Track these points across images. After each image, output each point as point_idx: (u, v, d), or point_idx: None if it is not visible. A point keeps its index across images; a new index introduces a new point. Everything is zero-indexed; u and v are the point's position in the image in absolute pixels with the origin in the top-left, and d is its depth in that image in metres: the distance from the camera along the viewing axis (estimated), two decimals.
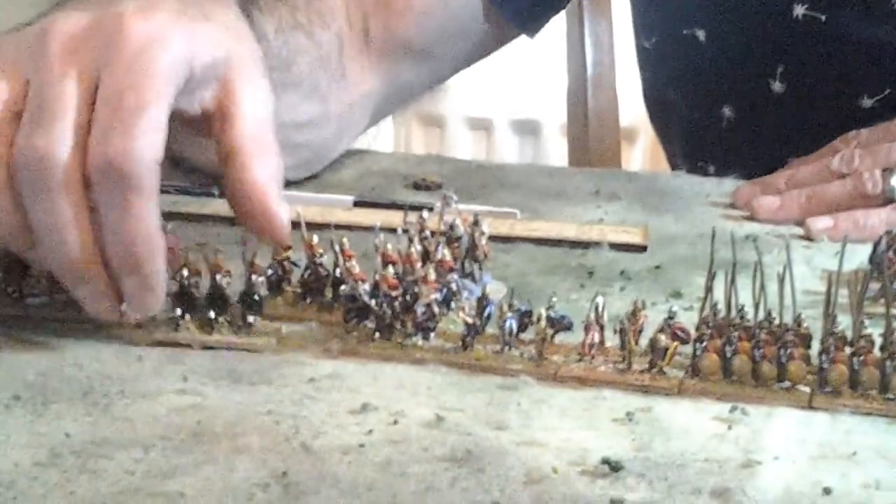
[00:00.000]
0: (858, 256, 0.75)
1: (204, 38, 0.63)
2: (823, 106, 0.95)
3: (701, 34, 1.05)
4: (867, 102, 0.97)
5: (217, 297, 0.63)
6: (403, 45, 0.97)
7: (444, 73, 1.05)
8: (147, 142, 0.59)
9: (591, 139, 1.54)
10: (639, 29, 1.18)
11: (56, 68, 0.60)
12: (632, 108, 1.82)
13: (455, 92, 2.04)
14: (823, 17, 0.96)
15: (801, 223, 0.85)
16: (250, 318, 0.63)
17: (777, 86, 1.00)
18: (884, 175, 0.86)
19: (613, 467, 0.50)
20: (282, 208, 0.62)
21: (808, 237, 0.83)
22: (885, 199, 0.85)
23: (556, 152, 2.00)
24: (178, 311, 0.62)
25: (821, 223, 0.84)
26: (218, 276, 0.63)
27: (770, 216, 0.88)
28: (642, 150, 2.00)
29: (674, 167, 1.23)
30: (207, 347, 0.61)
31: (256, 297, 0.63)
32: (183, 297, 0.63)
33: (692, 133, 1.14)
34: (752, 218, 0.88)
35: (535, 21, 1.03)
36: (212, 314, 0.62)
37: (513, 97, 2.06)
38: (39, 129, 0.59)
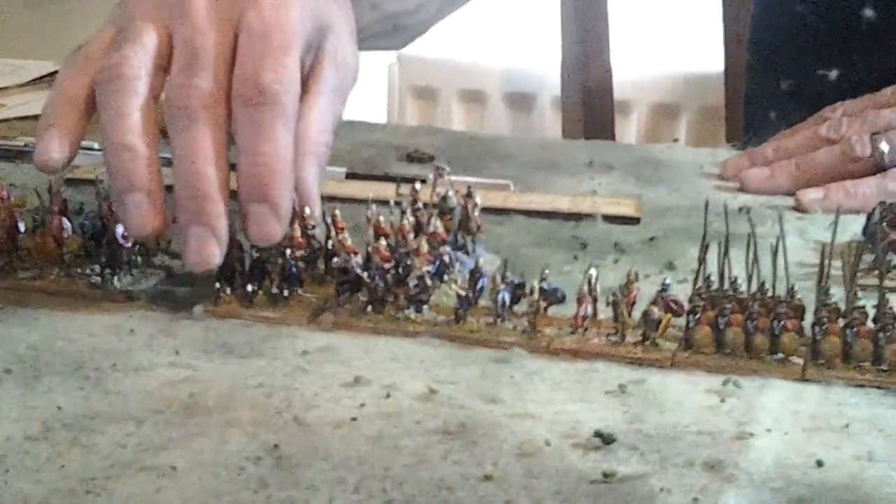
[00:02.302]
0: (852, 228, 0.76)
1: (317, 3, 0.69)
2: None
3: None
4: None
5: (257, 270, 0.63)
6: None
7: None
8: (294, 75, 0.65)
9: (585, 112, 1.54)
10: None
11: (202, 19, 0.65)
12: (626, 82, 1.82)
13: (448, 64, 2.04)
14: None
15: (792, 193, 0.85)
16: (286, 292, 0.63)
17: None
18: (872, 139, 0.85)
19: (606, 440, 0.50)
20: (317, 209, 0.65)
21: (799, 209, 0.83)
22: (875, 164, 0.85)
23: (550, 125, 1.99)
24: (218, 284, 0.63)
25: (811, 194, 0.84)
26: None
27: (760, 187, 0.87)
28: (636, 124, 2.00)
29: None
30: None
31: (294, 271, 0.63)
32: (223, 269, 0.63)
33: (819, 42, 1.09)
34: (744, 189, 0.88)
35: None
36: (250, 287, 0.63)
37: (506, 70, 2.05)
38: (192, 74, 0.64)
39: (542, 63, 1.93)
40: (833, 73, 1.08)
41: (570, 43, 1.55)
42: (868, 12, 1.00)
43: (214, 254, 0.61)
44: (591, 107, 1.54)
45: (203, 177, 0.61)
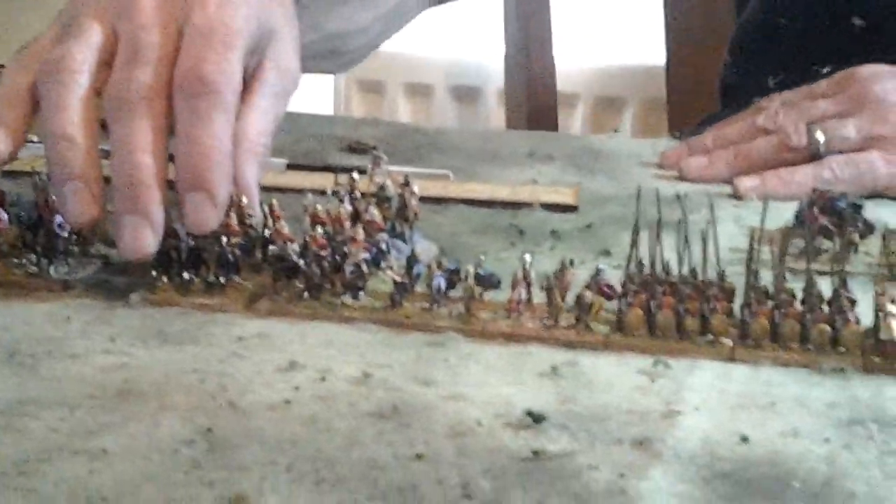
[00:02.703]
0: (788, 214, 0.77)
1: (263, 8, 0.70)
2: None
3: None
4: None
5: (194, 258, 0.63)
6: None
7: None
8: (236, 70, 0.66)
9: (529, 104, 1.55)
10: None
11: (146, 16, 0.66)
12: (570, 74, 1.84)
13: (394, 58, 2.04)
14: None
15: (730, 181, 0.86)
16: (223, 279, 0.63)
17: None
18: (808, 129, 0.87)
19: (536, 419, 0.51)
20: (255, 206, 0.66)
21: (736, 196, 0.85)
22: (811, 153, 0.86)
23: (495, 118, 2.00)
24: (154, 272, 0.63)
25: (748, 182, 0.85)
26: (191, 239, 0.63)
27: (699, 176, 0.89)
28: (581, 116, 2.01)
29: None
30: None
31: (231, 258, 0.63)
32: (160, 257, 0.63)
33: (819, 51, 1.08)
34: (683, 178, 0.89)
35: None
36: (186, 275, 0.63)
37: (452, 63, 2.06)
38: (133, 67, 0.64)
39: (487, 56, 1.94)
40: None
41: (513, 35, 1.56)
42: (857, 20, 1.02)
43: (149, 242, 0.61)
44: (534, 99, 1.54)
45: (140, 166, 0.62)
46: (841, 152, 0.86)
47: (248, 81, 0.69)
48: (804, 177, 0.84)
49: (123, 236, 0.61)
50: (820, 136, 0.87)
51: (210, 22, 0.66)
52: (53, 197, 0.65)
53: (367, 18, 0.93)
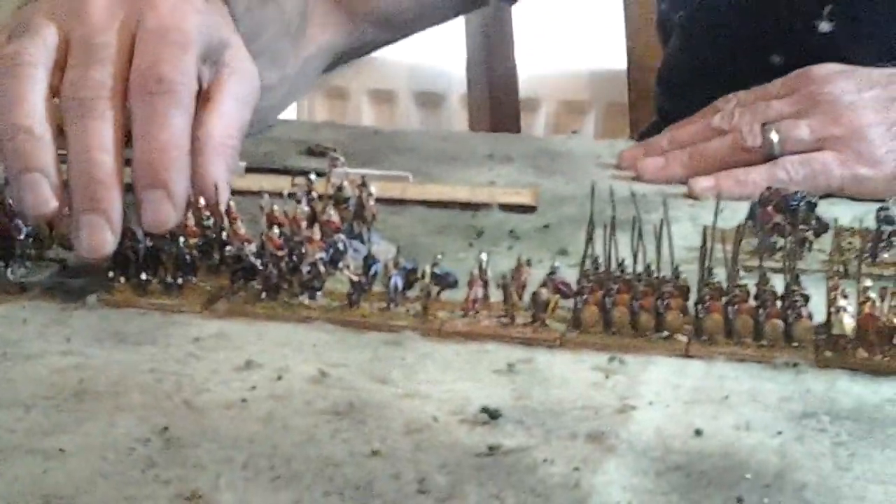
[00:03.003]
0: (743, 213, 0.77)
1: (212, 20, 0.71)
2: (872, 41, 0.95)
3: None
4: None
5: (151, 259, 0.63)
6: (373, 10, 0.99)
7: (404, 36, 1.07)
8: (191, 70, 0.66)
9: (491, 109, 1.55)
10: (669, 4, 1.17)
11: (98, 19, 0.66)
12: (533, 79, 1.84)
13: (356, 63, 2.04)
14: None
15: (686, 182, 0.87)
16: (180, 280, 0.63)
17: (825, 26, 1.00)
18: (763, 129, 0.87)
19: (492, 415, 0.51)
20: (223, 205, 0.66)
21: (691, 196, 0.85)
22: (765, 154, 0.87)
23: (459, 124, 2.01)
24: (112, 273, 0.63)
25: (703, 182, 0.86)
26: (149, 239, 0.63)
27: (655, 176, 0.89)
28: (544, 120, 2.02)
29: None
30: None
31: (188, 259, 0.63)
32: (117, 258, 0.63)
33: (729, 85, 1.10)
34: (639, 179, 0.90)
35: None
36: (144, 276, 0.63)
37: (414, 68, 2.06)
38: (88, 67, 0.64)
39: (450, 61, 1.95)
40: None
41: (475, 41, 1.56)
42: (776, 58, 1.03)
43: (107, 241, 0.61)
44: (496, 104, 1.55)
45: (97, 164, 0.62)
46: (795, 153, 0.86)
47: (208, 89, 0.69)
48: (759, 177, 0.85)
49: (81, 236, 0.61)
50: (774, 137, 0.87)
51: (163, 24, 0.67)
52: (9, 200, 0.64)
53: (273, 78, 0.93)
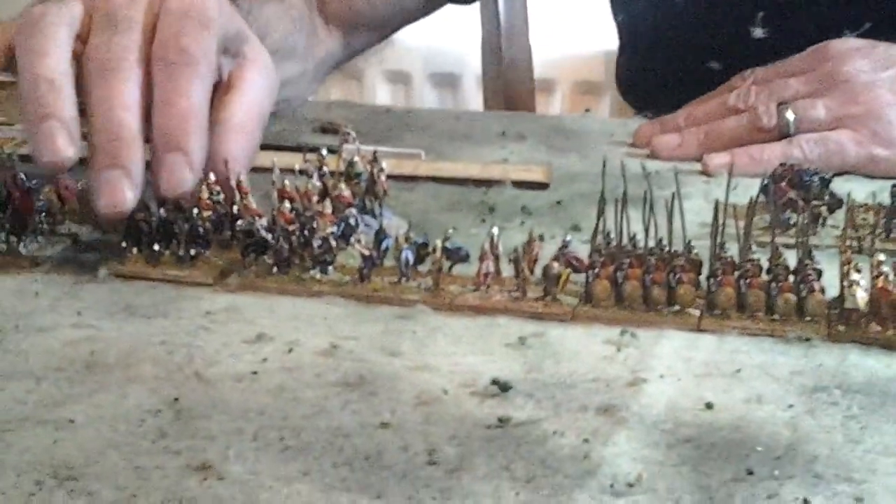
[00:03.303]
0: (756, 190, 0.77)
1: (230, 10, 0.71)
2: (804, 46, 0.95)
3: None
4: (849, 36, 0.96)
5: (164, 231, 0.63)
6: (356, 16, 1.02)
7: (385, 37, 1.11)
8: (212, 46, 0.66)
9: (506, 89, 1.55)
10: (617, 5, 1.17)
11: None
12: (548, 60, 1.84)
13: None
14: None
15: (701, 160, 0.87)
16: (192, 252, 0.63)
17: (758, 32, 1.00)
18: (779, 109, 0.87)
19: (502, 388, 0.51)
20: (243, 179, 0.65)
21: (706, 173, 0.85)
22: (780, 133, 0.86)
23: (474, 105, 2.00)
24: (124, 244, 0.63)
25: (718, 159, 0.85)
26: (163, 211, 0.63)
27: (670, 154, 0.89)
28: (560, 101, 2.01)
29: None
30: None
31: (201, 231, 0.63)
32: (130, 229, 0.63)
33: (681, 92, 1.12)
34: (654, 156, 0.89)
35: None
36: (157, 247, 0.63)
37: (430, 50, 2.05)
38: (112, 34, 0.65)
39: (465, 42, 1.94)
40: None
41: (490, 22, 1.56)
42: (714, 64, 1.03)
43: (128, 197, 0.61)
44: (511, 85, 1.54)
45: (120, 122, 0.62)
46: (811, 132, 0.86)
47: (228, 79, 0.70)
48: (774, 155, 0.84)
49: (101, 191, 0.61)
50: (790, 117, 0.87)
51: (186, 5, 0.67)
52: (21, 175, 0.65)
53: (294, 70, 0.94)
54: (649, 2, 1.08)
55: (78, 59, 0.65)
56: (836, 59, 0.89)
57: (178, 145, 0.63)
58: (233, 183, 0.64)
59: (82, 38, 0.67)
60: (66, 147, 0.62)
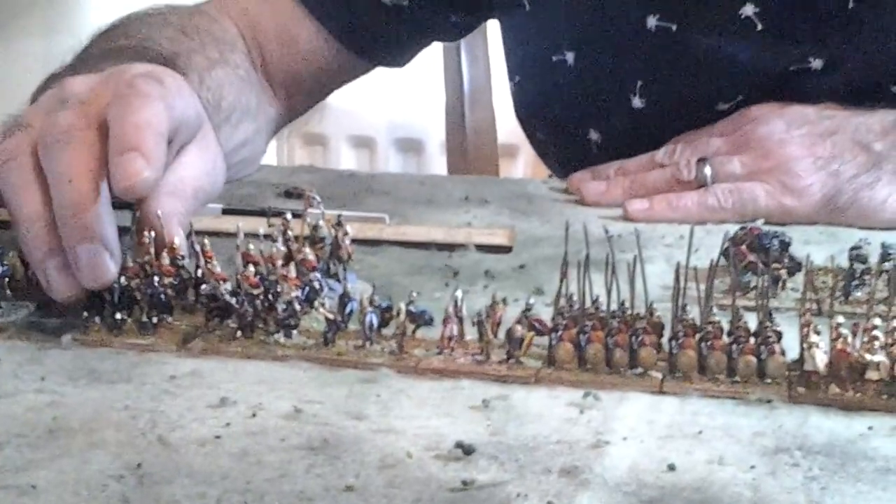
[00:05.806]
0: (716, 253, 0.78)
1: (185, 104, 0.71)
2: (681, 117, 0.98)
3: (570, 57, 1.05)
4: (723, 107, 0.99)
5: (126, 299, 0.63)
6: (294, 78, 1.03)
7: (323, 98, 1.12)
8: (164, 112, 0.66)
9: (470, 154, 1.56)
10: (511, 65, 1.19)
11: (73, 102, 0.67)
12: (511, 125, 1.85)
13: (337, 110, 2.05)
14: (674, 27, 0.98)
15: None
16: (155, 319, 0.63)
17: (637, 101, 1.02)
18: (698, 164, 0.93)
19: (466, 451, 0.51)
20: (177, 237, 0.66)
21: (626, 218, 0.89)
22: (699, 185, 0.92)
23: (438, 169, 2.02)
24: (86, 313, 0.63)
25: (637, 204, 0.91)
26: (122, 279, 0.63)
27: (596, 200, 0.94)
28: (523, 166, 2.03)
29: None
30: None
31: (163, 298, 0.63)
32: (92, 298, 0.63)
33: (566, 159, 1.13)
34: (582, 201, 0.94)
35: (401, 56, 1.10)
36: (119, 315, 0.63)
37: (394, 115, 2.07)
38: (59, 111, 0.65)
39: (429, 108, 1.96)
40: None
41: (453, 87, 1.57)
42: (594, 134, 1.06)
43: (109, 267, 0.61)
44: (475, 149, 1.56)
45: (82, 193, 0.62)
46: None
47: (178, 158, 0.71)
48: (690, 201, 0.90)
49: (82, 267, 0.61)
50: (707, 171, 0.92)
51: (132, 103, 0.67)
52: None
53: (249, 130, 0.95)
54: (542, 66, 1.09)
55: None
56: (756, 121, 0.94)
57: (134, 145, 0.62)
58: (198, 248, 0.65)
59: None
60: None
